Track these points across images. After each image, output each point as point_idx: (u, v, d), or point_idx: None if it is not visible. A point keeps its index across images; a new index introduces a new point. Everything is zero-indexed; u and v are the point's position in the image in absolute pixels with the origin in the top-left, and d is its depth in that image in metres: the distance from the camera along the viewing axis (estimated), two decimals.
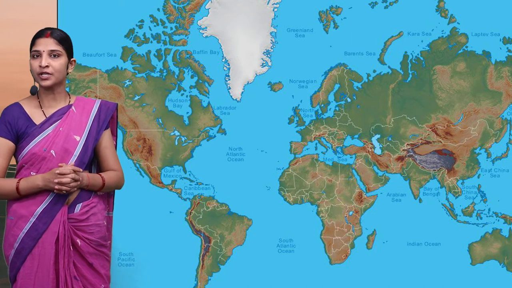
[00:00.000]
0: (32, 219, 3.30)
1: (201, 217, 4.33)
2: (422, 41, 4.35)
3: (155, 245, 4.30)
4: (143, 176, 4.31)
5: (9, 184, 3.29)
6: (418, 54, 4.35)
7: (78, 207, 3.36)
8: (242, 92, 4.35)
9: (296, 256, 4.34)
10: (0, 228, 3.82)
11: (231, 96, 4.34)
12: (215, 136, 4.34)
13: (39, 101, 3.40)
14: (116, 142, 3.56)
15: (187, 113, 4.34)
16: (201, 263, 4.33)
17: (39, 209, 3.30)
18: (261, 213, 4.33)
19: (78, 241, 3.33)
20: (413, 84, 4.36)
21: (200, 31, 4.34)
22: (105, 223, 3.45)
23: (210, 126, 4.34)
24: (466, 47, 4.36)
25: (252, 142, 4.34)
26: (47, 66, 3.31)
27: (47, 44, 3.33)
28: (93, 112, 3.44)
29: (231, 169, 4.33)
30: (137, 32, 4.32)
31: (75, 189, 3.31)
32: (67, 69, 3.39)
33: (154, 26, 4.32)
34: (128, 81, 4.32)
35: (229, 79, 4.34)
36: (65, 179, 3.24)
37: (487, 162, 4.37)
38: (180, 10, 4.33)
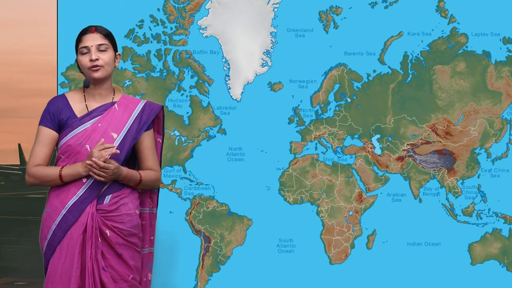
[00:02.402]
0: (63, 211, 3.38)
1: (201, 217, 4.33)
2: (422, 41, 4.35)
3: (155, 245, 4.29)
4: None
5: (53, 171, 3.39)
6: (418, 54, 4.35)
7: (107, 199, 3.42)
8: (242, 92, 4.35)
9: (296, 256, 4.34)
10: (10, 226, 3.87)
11: (231, 96, 4.34)
12: (215, 136, 4.34)
13: (84, 94, 3.48)
14: (162, 142, 3.63)
15: (187, 113, 4.34)
16: (201, 263, 4.33)
17: (70, 202, 3.38)
18: (261, 213, 4.33)
19: (107, 231, 3.39)
20: (413, 84, 4.36)
21: (200, 31, 4.34)
22: (137, 212, 3.50)
23: (210, 126, 4.34)
24: (466, 47, 4.36)
25: (252, 142, 4.34)
26: (97, 59, 3.41)
27: (94, 39, 3.44)
28: (135, 112, 3.51)
29: (231, 169, 4.33)
30: (137, 32, 4.32)
31: (111, 175, 3.35)
32: (114, 62, 3.49)
33: (154, 26, 4.32)
34: (128, 81, 4.32)
35: (229, 79, 4.34)
36: (99, 162, 3.30)
37: (487, 162, 4.37)
38: (180, 10, 4.33)
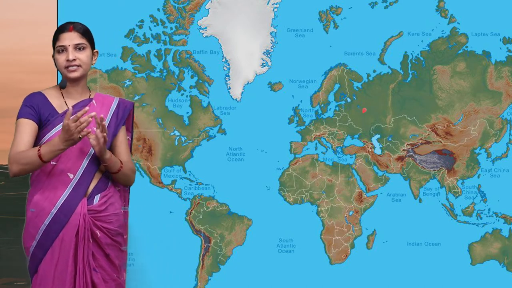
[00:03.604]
0: (54, 211, 3.33)
1: (201, 217, 4.33)
2: (422, 41, 4.35)
3: (155, 245, 4.30)
4: (143, 176, 4.31)
5: (31, 152, 3.29)
6: (418, 54, 4.35)
7: (96, 198, 3.40)
8: (242, 92, 4.35)
9: (296, 256, 4.34)
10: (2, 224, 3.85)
11: (231, 96, 4.34)
12: (215, 136, 4.34)
13: (61, 92, 3.46)
14: (131, 139, 3.61)
15: (187, 113, 4.34)
16: (201, 263, 4.33)
17: (60, 201, 3.33)
18: (261, 213, 4.33)
19: (98, 232, 3.37)
20: (413, 84, 4.36)
21: (200, 31, 4.34)
22: (122, 212, 3.50)
23: (210, 126, 4.34)
24: (466, 47, 4.36)
25: (252, 142, 4.34)
26: (74, 59, 3.38)
27: (72, 38, 3.39)
28: (112, 108, 3.49)
29: (231, 169, 4.33)
30: (137, 32, 4.32)
31: (102, 142, 3.29)
32: (91, 61, 3.46)
33: (154, 26, 4.32)
34: (128, 81, 4.32)
35: (229, 79, 4.34)
36: (83, 119, 3.20)
37: (487, 162, 4.37)
38: (180, 10, 4.33)
